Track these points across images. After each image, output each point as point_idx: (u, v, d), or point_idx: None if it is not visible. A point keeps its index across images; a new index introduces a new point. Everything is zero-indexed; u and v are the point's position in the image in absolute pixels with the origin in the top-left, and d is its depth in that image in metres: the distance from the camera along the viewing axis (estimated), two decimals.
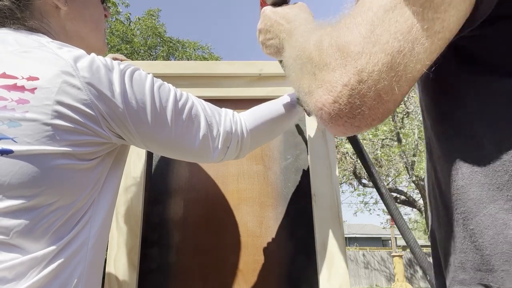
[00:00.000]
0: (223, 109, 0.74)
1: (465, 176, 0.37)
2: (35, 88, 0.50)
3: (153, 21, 9.94)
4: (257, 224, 0.95)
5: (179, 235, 0.93)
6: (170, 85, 0.66)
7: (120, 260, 0.88)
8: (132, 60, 1.08)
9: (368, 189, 10.20)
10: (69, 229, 0.53)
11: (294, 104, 0.85)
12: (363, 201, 10.84)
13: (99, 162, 0.57)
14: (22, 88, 0.50)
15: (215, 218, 0.95)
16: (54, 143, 0.50)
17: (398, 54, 0.34)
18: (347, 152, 8.88)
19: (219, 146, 0.69)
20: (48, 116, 0.50)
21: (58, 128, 0.50)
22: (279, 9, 0.69)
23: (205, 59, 10.08)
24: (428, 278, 0.65)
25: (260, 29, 0.74)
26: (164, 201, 0.96)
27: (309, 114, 0.88)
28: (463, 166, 0.37)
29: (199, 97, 1.03)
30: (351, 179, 10.26)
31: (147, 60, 8.66)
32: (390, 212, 0.77)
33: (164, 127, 0.61)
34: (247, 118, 0.76)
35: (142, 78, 0.60)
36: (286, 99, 0.85)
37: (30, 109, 0.49)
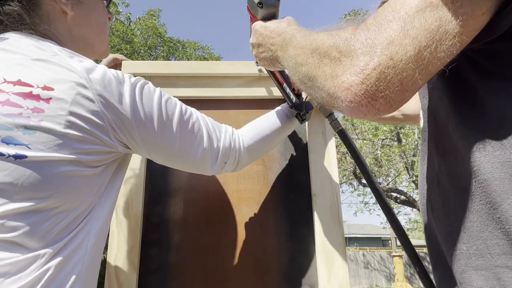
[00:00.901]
0: (223, 125, 0.77)
1: (487, 171, 0.42)
2: (50, 98, 0.52)
3: (154, 21, 9.94)
4: (257, 224, 0.95)
5: (179, 235, 0.93)
6: (176, 99, 0.69)
7: (120, 260, 0.88)
8: (132, 60, 1.08)
9: (368, 189, 10.18)
10: (71, 231, 0.55)
11: (290, 116, 0.88)
12: (363, 201, 10.84)
13: (103, 169, 0.59)
14: (37, 97, 0.52)
15: (215, 218, 0.95)
16: (64, 151, 0.52)
17: (425, 49, 0.39)
18: (347, 152, 8.87)
19: (218, 160, 0.72)
20: (61, 126, 0.52)
21: (69, 137, 0.52)
22: (268, 23, 0.72)
23: (205, 59, 10.08)
24: (417, 270, 0.68)
25: (252, 44, 0.77)
26: (164, 201, 0.96)
27: (301, 122, 0.89)
28: (484, 162, 0.42)
29: (199, 97, 1.04)
30: (351, 179, 10.26)
31: (147, 60, 8.65)
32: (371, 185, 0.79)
33: (169, 138, 0.64)
34: (245, 135, 0.79)
35: (151, 91, 0.63)
36: (282, 111, 0.88)
37: (44, 118, 0.51)
